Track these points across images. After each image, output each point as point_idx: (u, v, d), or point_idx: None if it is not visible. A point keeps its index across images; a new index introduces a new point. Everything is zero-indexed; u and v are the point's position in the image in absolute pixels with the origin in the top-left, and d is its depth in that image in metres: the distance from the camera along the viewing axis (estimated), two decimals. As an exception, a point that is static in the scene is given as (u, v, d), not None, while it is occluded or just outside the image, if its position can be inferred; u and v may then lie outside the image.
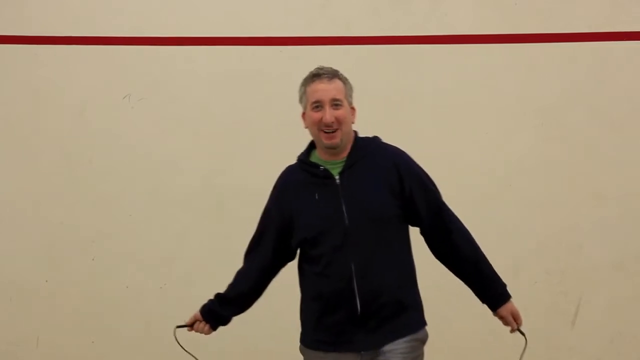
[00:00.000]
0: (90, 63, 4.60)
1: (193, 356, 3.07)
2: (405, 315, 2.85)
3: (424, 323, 2.92)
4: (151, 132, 4.59)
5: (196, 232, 4.59)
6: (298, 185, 2.91)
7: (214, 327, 3.06)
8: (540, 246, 4.42)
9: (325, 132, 2.84)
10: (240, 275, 3.07)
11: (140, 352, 4.62)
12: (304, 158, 2.96)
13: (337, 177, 2.85)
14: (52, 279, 4.63)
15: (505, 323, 2.94)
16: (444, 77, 4.47)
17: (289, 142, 4.47)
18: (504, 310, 2.92)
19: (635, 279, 4.45)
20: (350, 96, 2.90)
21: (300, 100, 2.94)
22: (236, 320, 3.07)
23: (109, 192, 4.60)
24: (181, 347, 3.07)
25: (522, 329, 2.94)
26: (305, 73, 4.68)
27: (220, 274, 4.50)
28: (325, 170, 2.87)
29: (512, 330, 2.94)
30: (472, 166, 4.48)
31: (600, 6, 4.42)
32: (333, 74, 2.88)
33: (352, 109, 2.91)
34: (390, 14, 4.50)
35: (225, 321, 3.06)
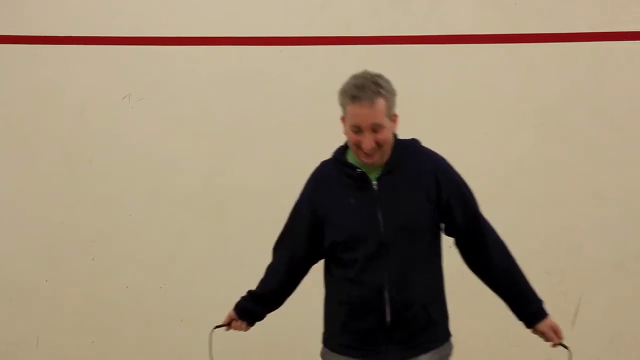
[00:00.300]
0: (90, 63, 4.60)
1: None
2: (434, 328, 2.82)
3: (449, 335, 2.89)
4: (151, 132, 4.59)
5: (196, 232, 4.59)
6: (333, 183, 2.82)
7: (250, 324, 3.00)
8: (540, 246, 4.42)
9: (364, 152, 2.72)
10: (269, 271, 2.98)
11: (140, 352, 4.62)
12: (341, 157, 2.85)
13: (374, 182, 2.76)
14: (52, 279, 4.63)
15: (546, 339, 2.88)
16: (444, 77, 4.47)
17: (289, 142, 4.53)
18: (543, 326, 2.86)
19: (635, 279, 4.45)
20: (393, 106, 2.74)
21: (340, 106, 2.77)
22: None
23: (109, 192, 4.61)
24: (210, 350, 3.03)
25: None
26: (305, 73, 4.73)
27: (220, 274, 4.54)
28: (363, 173, 2.77)
29: (554, 345, 2.88)
30: (472, 166, 4.42)
31: (600, 6, 4.42)
32: (374, 94, 2.66)
33: (394, 116, 2.76)
34: (390, 14, 4.49)
35: (261, 317, 3.00)
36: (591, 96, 4.44)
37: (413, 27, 4.49)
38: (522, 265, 2.94)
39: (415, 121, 4.45)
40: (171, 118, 4.59)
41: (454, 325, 4.41)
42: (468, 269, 2.96)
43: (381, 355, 2.76)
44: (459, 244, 2.89)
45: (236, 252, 4.54)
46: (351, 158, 2.82)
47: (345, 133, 2.78)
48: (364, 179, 2.76)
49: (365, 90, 2.66)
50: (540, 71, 4.46)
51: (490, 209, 4.42)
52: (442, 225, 2.85)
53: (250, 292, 2.98)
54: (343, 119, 2.78)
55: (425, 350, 2.78)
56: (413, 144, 2.88)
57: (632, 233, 4.43)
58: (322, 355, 2.92)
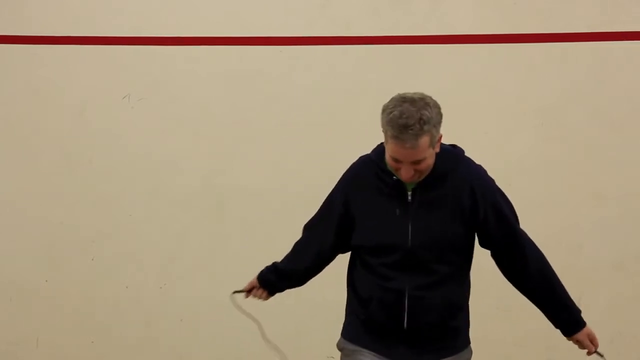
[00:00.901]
0: (90, 63, 4.60)
1: (251, 317, 3.04)
2: (451, 336, 2.80)
3: (468, 342, 2.87)
4: (151, 132, 4.59)
5: (196, 232, 4.59)
6: (368, 183, 2.76)
7: (271, 294, 3.00)
8: (540, 246, 4.40)
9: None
10: (297, 250, 2.98)
11: (140, 352, 4.62)
12: (378, 160, 2.75)
13: (409, 192, 2.70)
14: (52, 279, 4.63)
15: (582, 347, 2.88)
16: (444, 77, 4.46)
17: (289, 142, 4.52)
18: (581, 335, 2.86)
19: (635, 279, 4.45)
20: (437, 133, 2.61)
21: (381, 125, 2.63)
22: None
23: (109, 192, 4.60)
24: (238, 308, 3.03)
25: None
26: (305, 73, 4.72)
27: (220, 274, 4.54)
28: (398, 182, 2.69)
29: (590, 353, 2.89)
30: (472, 166, 4.47)
31: (600, 6, 4.41)
32: (418, 135, 2.52)
33: (439, 137, 2.65)
34: (390, 14, 4.49)
35: (281, 290, 3.01)
36: (591, 96, 4.44)
37: (413, 27, 4.49)
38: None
39: (415, 121, 4.48)
40: (171, 118, 4.58)
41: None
42: (511, 284, 2.93)
43: (395, 356, 2.76)
44: (495, 256, 2.86)
45: (236, 252, 4.54)
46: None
47: (385, 151, 2.68)
48: (399, 187, 2.71)
49: (408, 131, 2.53)
50: (540, 71, 4.45)
51: (490, 209, 4.45)
52: (476, 238, 2.82)
53: (275, 265, 2.98)
54: (384, 134, 2.66)
55: (441, 356, 2.77)
56: (456, 155, 2.80)
57: (632, 233, 4.43)
58: (340, 346, 2.90)
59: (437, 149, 2.67)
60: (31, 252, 4.63)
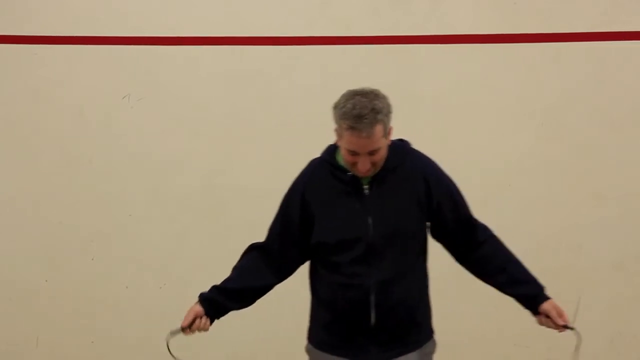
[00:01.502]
0: (90, 63, 4.60)
1: None
2: (417, 329, 2.84)
3: (432, 333, 2.91)
4: (151, 132, 4.59)
5: (196, 232, 4.59)
6: (323, 184, 2.81)
7: (212, 321, 2.90)
8: (540, 246, 4.42)
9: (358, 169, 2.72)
10: (250, 268, 2.93)
11: (140, 352, 4.62)
12: (331, 159, 2.84)
13: (365, 186, 2.77)
14: (52, 279, 4.63)
15: (551, 324, 2.83)
16: (444, 77, 4.47)
17: (289, 142, 4.52)
18: (547, 304, 2.82)
19: (635, 279, 4.45)
20: (389, 123, 2.70)
21: (334, 120, 2.71)
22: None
23: (109, 192, 4.60)
24: (173, 356, 2.89)
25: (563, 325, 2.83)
26: (305, 73, 4.72)
27: (220, 274, 4.52)
28: (354, 177, 2.77)
29: (560, 328, 2.83)
30: (472, 166, 4.47)
31: (600, 6, 4.42)
32: (372, 124, 2.61)
33: (390, 131, 2.73)
34: (390, 14, 4.49)
35: (225, 312, 2.92)
36: (591, 96, 4.44)
37: (413, 27, 4.49)
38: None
39: (415, 121, 4.48)
40: (171, 118, 4.59)
41: (453, 325, 4.43)
42: (466, 269, 2.97)
43: (365, 355, 2.79)
44: (450, 246, 2.90)
45: (236, 252, 4.51)
46: (341, 160, 2.81)
47: (339, 147, 2.76)
48: (355, 183, 2.77)
49: (363, 121, 2.62)
50: (540, 71, 4.46)
51: (490, 209, 4.42)
52: (428, 225, 2.86)
53: (219, 287, 2.91)
54: (337, 131, 2.74)
55: (409, 350, 2.81)
56: (404, 147, 2.88)
57: (632, 233, 4.43)
58: (307, 350, 2.94)
59: (389, 141, 2.75)
60: (31, 252, 4.63)
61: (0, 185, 4.64)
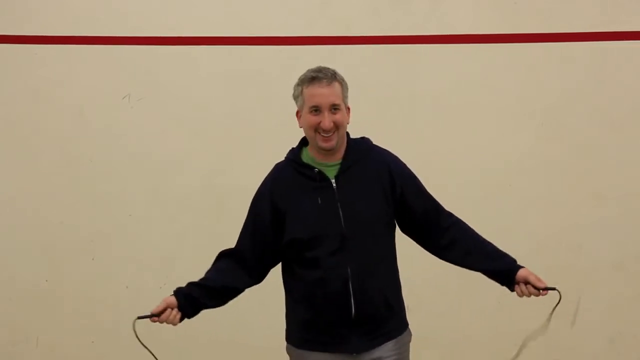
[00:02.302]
0: (90, 63, 4.60)
1: (153, 354, 2.90)
2: (394, 318, 2.89)
3: (407, 324, 2.96)
4: (151, 132, 4.59)
5: (196, 232, 4.58)
6: (290, 185, 2.88)
7: (183, 317, 2.89)
8: (540, 246, 4.43)
9: (322, 135, 2.81)
10: (225, 269, 2.97)
11: (140, 352, 4.60)
12: (296, 158, 2.93)
13: (332, 180, 2.84)
14: (52, 279, 4.63)
15: (531, 291, 2.85)
16: (444, 77, 4.47)
17: (289, 142, 4.51)
18: (523, 271, 2.86)
19: (635, 279, 4.45)
20: (347, 96, 2.86)
21: (296, 100, 2.89)
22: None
23: (109, 192, 4.60)
24: (141, 343, 2.89)
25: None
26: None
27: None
28: (320, 172, 2.85)
29: (541, 291, 2.84)
30: (472, 166, 4.48)
31: (600, 6, 4.42)
32: (332, 77, 2.81)
33: (348, 108, 2.87)
34: (390, 14, 4.50)
35: (198, 311, 2.93)
36: (591, 96, 4.44)
37: (413, 27, 4.49)
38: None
39: (415, 121, 4.49)
40: (171, 118, 4.59)
41: (453, 325, 4.44)
42: (438, 257, 2.99)
43: (348, 347, 2.81)
44: (419, 236, 2.96)
45: (236, 252, 4.53)
46: (306, 158, 2.90)
47: (303, 124, 2.87)
48: (322, 177, 2.84)
49: (322, 72, 2.81)
50: (540, 71, 4.46)
51: (491, 209, 4.46)
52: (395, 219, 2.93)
53: (196, 283, 2.95)
54: (298, 113, 2.88)
55: (388, 338, 2.85)
56: (366, 142, 2.97)
57: (632, 233, 4.43)
58: (287, 351, 2.96)
59: (349, 121, 2.86)
60: (31, 252, 4.62)
61: (0, 185, 4.63)
